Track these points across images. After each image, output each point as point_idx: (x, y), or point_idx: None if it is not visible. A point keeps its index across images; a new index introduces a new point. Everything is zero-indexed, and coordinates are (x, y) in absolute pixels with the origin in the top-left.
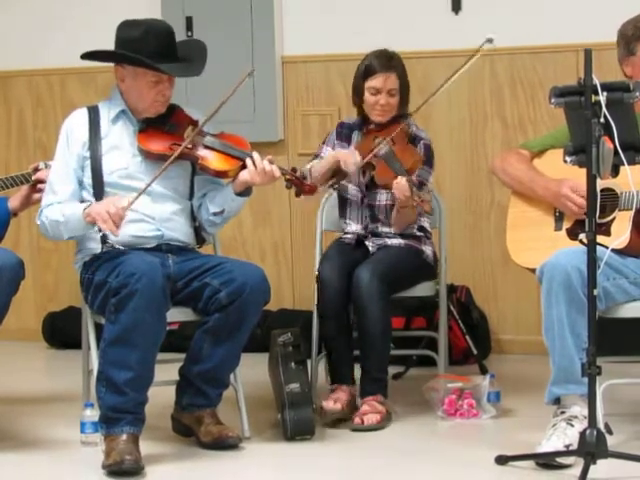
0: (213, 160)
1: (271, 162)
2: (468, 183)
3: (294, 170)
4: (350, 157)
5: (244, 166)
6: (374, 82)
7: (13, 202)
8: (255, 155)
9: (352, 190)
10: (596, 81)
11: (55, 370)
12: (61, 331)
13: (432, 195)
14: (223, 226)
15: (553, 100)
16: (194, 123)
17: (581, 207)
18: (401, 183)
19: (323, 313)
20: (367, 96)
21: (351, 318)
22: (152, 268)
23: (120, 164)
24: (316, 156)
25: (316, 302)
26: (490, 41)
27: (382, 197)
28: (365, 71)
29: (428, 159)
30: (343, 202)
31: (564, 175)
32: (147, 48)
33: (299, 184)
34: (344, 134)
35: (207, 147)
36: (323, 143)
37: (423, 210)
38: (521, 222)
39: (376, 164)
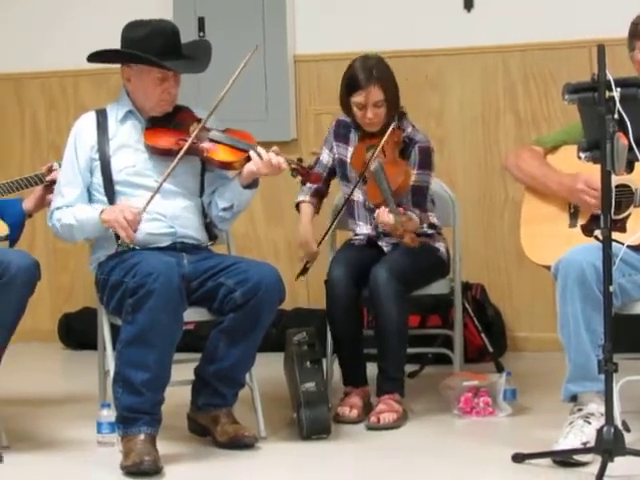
0: (218, 152)
1: (277, 153)
2: (482, 181)
3: (300, 160)
4: (304, 249)
5: (249, 158)
6: (358, 98)
7: (27, 203)
8: (260, 148)
9: (356, 193)
10: (610, 77)
11: (71, 371)
12: (77, 332)
13: (426, 216)
14: (233, 221)
15: (566, 96)
16: (199, 121)
17: (598, 199)
18: (382, 215)
19: (333, 315)
20: (355, 110)
21: (366, 318)
22: (169, 268)
23: (128, 162)
24: (317, 160)
25: (326, 305)
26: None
27: None
28: (348, 87)
29: (425, 162)
30: (350, 204)
31: (578, 171)
32: (152, 47)
33: (304, 173)
34: (342, 134)
35: (212, 140)
36: (324, 143)
37: (404, 244)
38: (535, 218)
39: (368, 179)
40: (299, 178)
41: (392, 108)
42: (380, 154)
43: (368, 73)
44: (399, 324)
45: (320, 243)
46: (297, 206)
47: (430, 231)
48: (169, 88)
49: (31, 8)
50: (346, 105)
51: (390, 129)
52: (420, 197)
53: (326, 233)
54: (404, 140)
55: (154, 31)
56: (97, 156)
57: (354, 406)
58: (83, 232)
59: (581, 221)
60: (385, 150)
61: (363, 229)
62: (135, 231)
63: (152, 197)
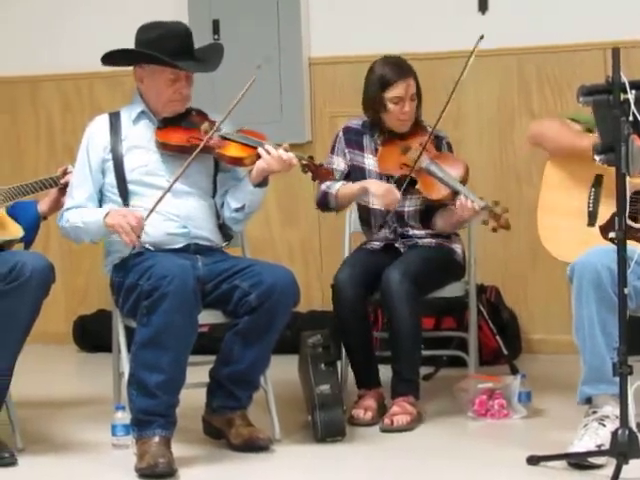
0: (229, 148)
1: (287, 150)
2: (497, 183)
3: (311, 158)
4: (388, 196)
5: (260, 156)
6: (396, 91)
7: (42, 206)
8: (270, 145)
9: (373, 199)
10: (624, 79)
11: (86, 373)
12: (91, 334)
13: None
14: (246, 223)
15: (581, 99)
16: (211, 122)
17: None
18: (465, 206)
19: (341, 318)
20: (390, 106)
21: (381, 320)
22: (184, 271)
23: (140, 162)
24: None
25: (333, 308)
26: (482, 37)
27: (411, 203)
28: (382, 82)
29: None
30: (366, 211)
31: None
32: (165, 48)
33: (315, 170)
34: (354, 140)
35: (223, 138)
36: (332, 152)
37: (499, 227)
38: (553, 208)
39: (417, 178)
40: (310, 175)
41: (420, 103)
42: (424, 151)
43: (399, 67)
44: (411, 326)
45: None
46: (335, 197)
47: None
48: (180, 88)
49: (46, 10)
50: (378, 104)
51: (437, 121)
52: None
53: (407, 179)
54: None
55: (167, 32)
56: (110, 156)
57: (368, 408)
58: (88, 234)
59: (599, 222)
60: (428, 148)
61: (381, 234)
62: (139, 237)
63: (157, 203)
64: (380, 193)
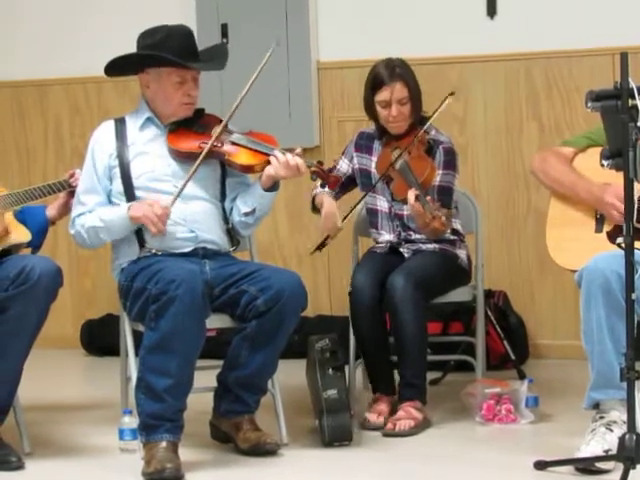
0: (239, 155)
1: (298, 155)
2: (504, 188)
3: (320, 163)
4: (328, 222)
5: (270, 161)
6: (382, 95)
7: (51, 211)
8: (278, 151)
9: (380, 201)
10: (632, 85)
11: (93, 377)
12: (99, 338)
13: (452, 212)
14: (256, 227)
15: (589, 104)
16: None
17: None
18: (411, 203)
19: (358, 323)
20: (379, 109)
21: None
22: (192, 275)
23: (147, 168)
24: (334, 167)
25: (350, 313)
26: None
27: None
28: (372, 85)
29: (449, 163)
30: (373, 213)
31: (608, 173)
32: (170, 49)
33: (324, 176)
34: (364, 145)
35: (234, 143)
36: (343, 153)
37: (434, 227)
38: (561, 221)
39: (394, 178)
40: (319, 181)
41: (416, 108)
42: (405, 153)
43: (391, 70)
44: (416, 330)
45: (345, 219)
46: (313, 200)
47: (452, 237)
48: (189, 90)
49: (54, 14)
50: (371, 107)
51: (421, 132)
52: (446, 197)
53: (351, 210)
54: (428, 142)
55: (170, 34)
56: (116, 163)
57: (382, 413)
58: (109, 233)
59: (607, 227)
60: (410, 149)
61: (385, 237)
62: (164, 225)
63: (179, 192)
64: (323, 215)
